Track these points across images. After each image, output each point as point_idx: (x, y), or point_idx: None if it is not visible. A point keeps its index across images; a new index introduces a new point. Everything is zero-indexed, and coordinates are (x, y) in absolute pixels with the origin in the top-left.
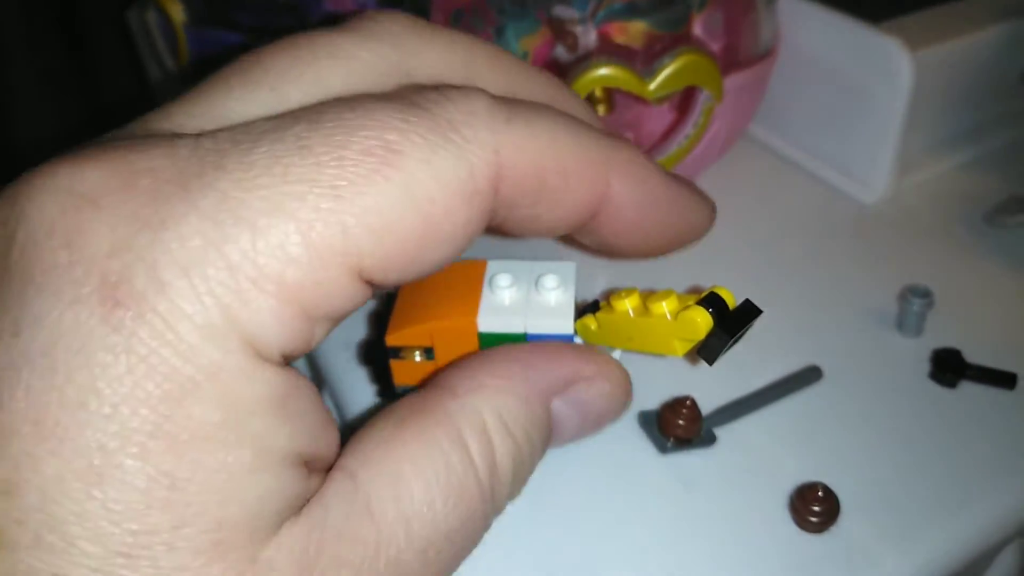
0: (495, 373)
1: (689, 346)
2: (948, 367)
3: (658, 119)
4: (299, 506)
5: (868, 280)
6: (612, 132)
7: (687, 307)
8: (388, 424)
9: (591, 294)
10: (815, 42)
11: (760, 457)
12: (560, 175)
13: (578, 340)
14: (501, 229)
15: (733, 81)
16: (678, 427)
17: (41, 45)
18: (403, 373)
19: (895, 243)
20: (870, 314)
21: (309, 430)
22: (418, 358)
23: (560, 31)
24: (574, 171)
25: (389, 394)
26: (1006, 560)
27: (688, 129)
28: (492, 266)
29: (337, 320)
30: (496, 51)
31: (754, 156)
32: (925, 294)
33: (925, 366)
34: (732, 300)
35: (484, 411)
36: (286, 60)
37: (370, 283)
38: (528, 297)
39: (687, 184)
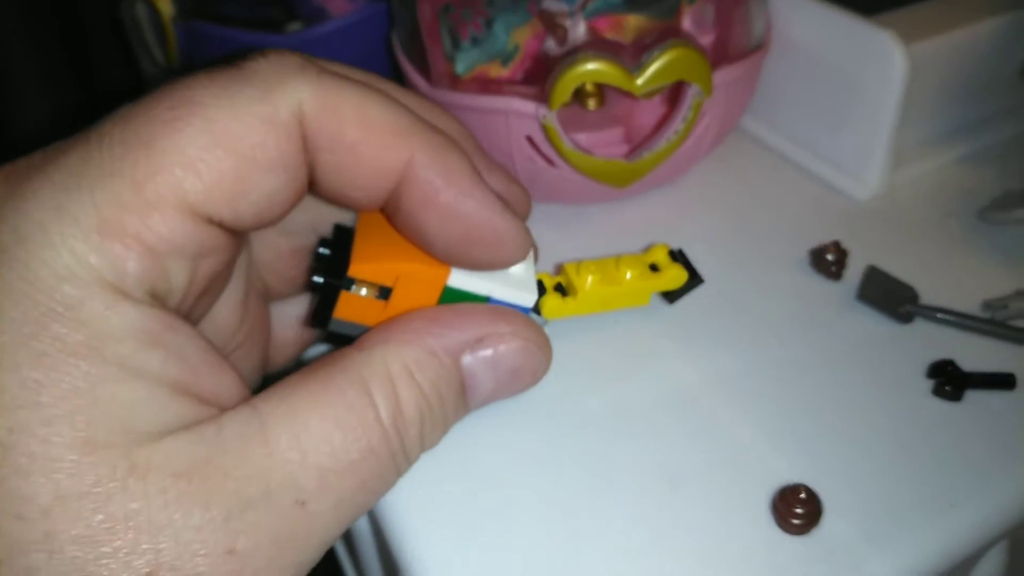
0: (405, 328)
1: (648, 296)
2: (950, 382)
3: (649, 113)
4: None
5: (860, 278)
6: (454, 139)
7: (662, 266)
8: (299, 373)
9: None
10: (807, 35)
11: (746, 456)
12: (360, 128)
13: (536, 316)
14: (317, 187)
15: (724, 75)
16: None
17: (37, 38)
18: (348, 307)
19: (888, 240)
20: (863, 312)
21: (188, 364)
22: (365, 293)
23: (550, 24)
24: (376, 129)
25: (321, 323)
26: (992, 561)
27: (677, 124)
28: None
29: (196, 257)
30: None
31: (747, 150)
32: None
33: (918, 364)
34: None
35: (389, 360)
36: None
37: (215, 222)
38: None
39: (498, 197)
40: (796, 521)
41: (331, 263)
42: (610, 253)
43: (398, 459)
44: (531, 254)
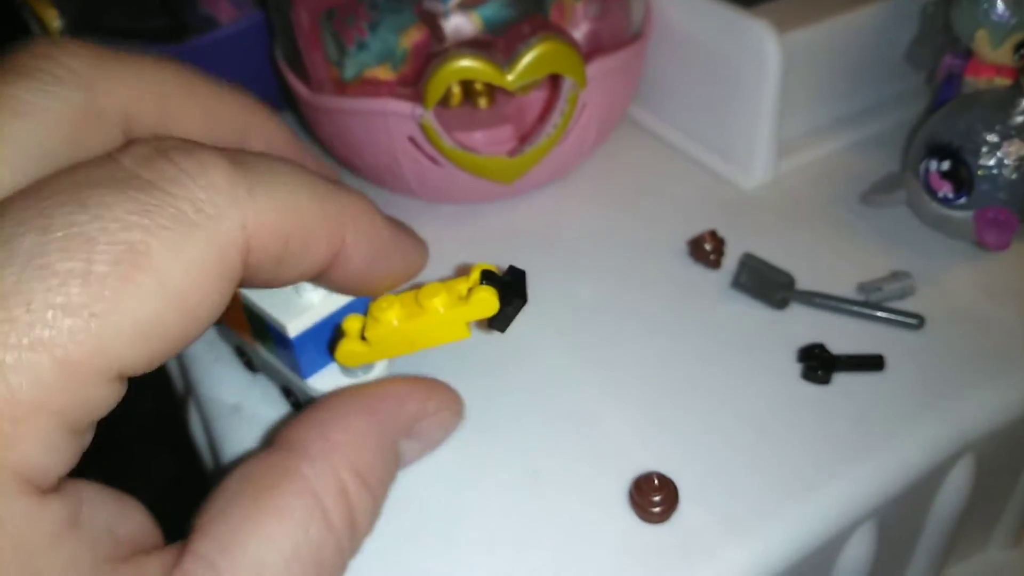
0: (347, 428)
1: (467, 327)
2: (819, 364)
3: (538, 109)
4: None
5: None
6: (337, 181)
7: (472, 290)
8: (243, 499)
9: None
10: (689, 25)
11: (611, 446)
12: (302, 237)
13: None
14: (243, 283)
15: (599, 66)
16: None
17: None
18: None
19: (772, 227)
20: (739, 299)
21: (108, 529)
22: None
23: (432, 24)
24: (314, 232)
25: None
26: (860, 541)
27: (555, 118)
28: None
29: (109, 410)
30: (187, 76)
31: (638, 142)
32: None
33: (790, 349)
34: (496, 270)
35: (341, 470)
36: None
37: (131, 377)
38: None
39: (406, 230)
40: (654, 509)
41: None
42: (502, 253)
43: (348, 562)
44: None
